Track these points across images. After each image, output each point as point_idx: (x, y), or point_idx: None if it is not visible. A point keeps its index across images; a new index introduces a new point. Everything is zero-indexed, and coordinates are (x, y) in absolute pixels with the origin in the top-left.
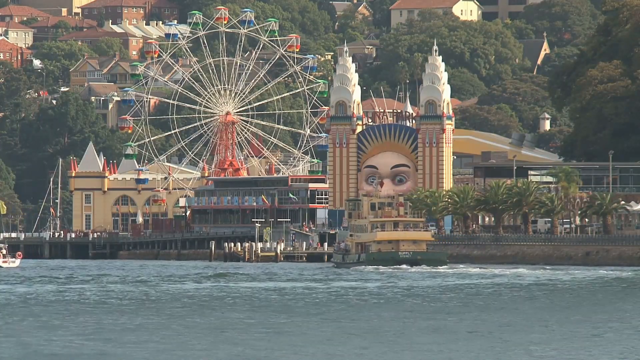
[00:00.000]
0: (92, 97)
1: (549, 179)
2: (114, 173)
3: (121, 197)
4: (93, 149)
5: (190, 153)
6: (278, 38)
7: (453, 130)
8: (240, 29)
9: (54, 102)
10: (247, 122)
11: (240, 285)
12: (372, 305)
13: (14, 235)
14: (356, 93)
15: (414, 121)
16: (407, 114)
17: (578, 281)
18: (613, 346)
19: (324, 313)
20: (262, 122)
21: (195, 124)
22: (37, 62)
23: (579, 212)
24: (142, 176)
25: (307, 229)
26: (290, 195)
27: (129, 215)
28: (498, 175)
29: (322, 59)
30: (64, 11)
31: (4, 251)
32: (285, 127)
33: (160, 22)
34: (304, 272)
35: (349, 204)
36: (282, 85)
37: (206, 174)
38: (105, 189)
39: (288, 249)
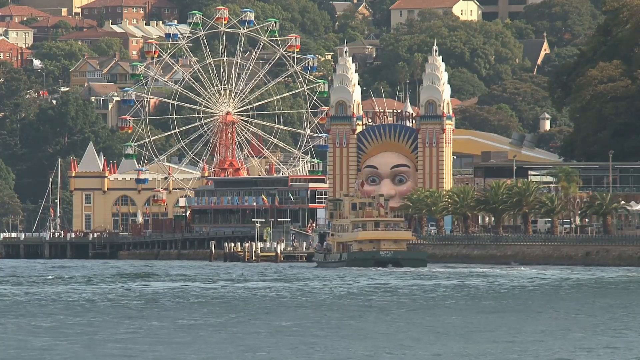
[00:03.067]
0: (92, 97)
1: (549, 179)
2: (114, 173)
3: (121, 197)
4: (93, 149)
5: (190, 153)
6: (278, 38)
7: (453, 130)
8: (240, 29)
9: (54, 102)
10: (247, 122)
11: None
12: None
13: (14, 235)
14: (356, 93)
15: (414, 121)
16: (407, 114)
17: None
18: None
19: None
20: (262, 122)
21: (195, 124)
22: (37, 62)
23: (579, 212)
24: (142, 176)
25: (311, 230)
26: (290, 195)
27: (129, 215)
28: (498, 175)
29: (322, 59)
30: (64, 11)
31: None
32: (285, 127)
33: (160, 22)
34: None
35: (330, 203)
36: (282, 85)
37: (206, 174)
38: (105, 189)
39: (288, 249)
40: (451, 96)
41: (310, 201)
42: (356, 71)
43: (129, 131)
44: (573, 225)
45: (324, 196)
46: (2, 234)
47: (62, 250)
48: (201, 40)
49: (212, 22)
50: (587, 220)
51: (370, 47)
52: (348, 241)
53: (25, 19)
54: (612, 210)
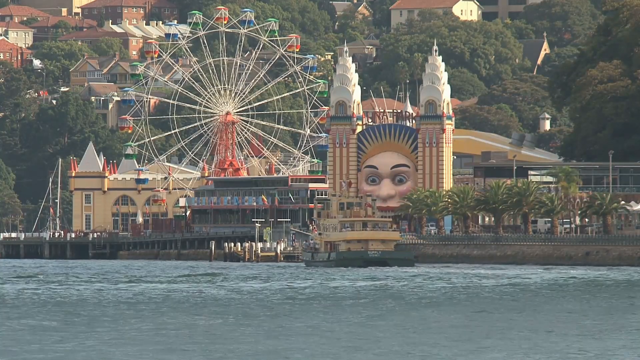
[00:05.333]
0: (92, 97)
1: (549, 179)
2: (114, 173)
3: (121, 197)
4: (93, 149)
5: (190, 153)
6: (278, 38)
7: (453, 130)
8: (240, 29)
9: (54, 102)
10: (247, 122)
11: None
12: None
13: (14, 235)
14: (356, 93)
15: (414, 121)
16: (407, 114)
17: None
18: None
19: None
20: (262, 122)
21: (195, 124)
22: (37, 62)
23: (579, 212)
24: (142, 176)
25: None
26: (290, 195)
27: (129, 215)
28: (498, 175)
29: (322, 59)
30: (64, 11)
31: None
32: (285, 127)
33: (160, 22)
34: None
35: (318, 203)
36: (282, 85)
37: (206, 174)
38: (105, 189)
39: (288, 249)
40: (451, 96)
41: (310, 201)
42: (356, 71)
43: (129, 131)
44: (573, 225)
45: (324, 196)
46: (2, 234)
47: (62, 250)
48: (201, 40)
49: (212, 22)
50: (587, 220)
51: (370, 47)
52: (336, 241)
53: (25, 19)
54: (612, 210)
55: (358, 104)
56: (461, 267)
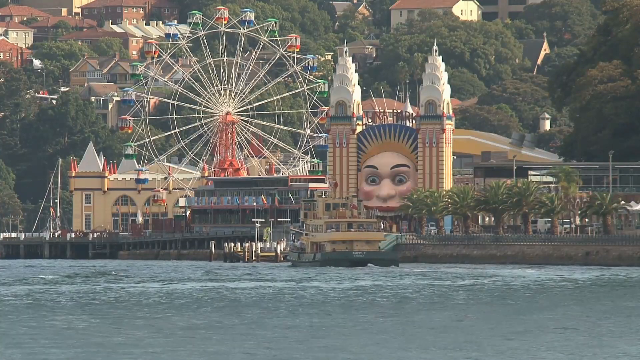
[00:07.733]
0: (92, 97)
1: (549, 179)
2: (114, 173)
3: (121, 197)
4: (93, 149)
5: (190, 153)
6: (278, 38)
7: (453, 130)
8: (240, 29)
9: (54, 102)
10: (247, 122)
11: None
12: None
13: (14, 235)
14: (356, 93)
15: (414, 121)
16: (407, 114)
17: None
18: None
19: None
20: (262, 122)
21: (195, 124)
22: (37, 62)
23: (579, 212)
24: (142, 176)
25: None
26: (290, 195)
27: (129, 215)
28: (498, 175)
29: (322, 59)
30: (64, 11)
31: None
32: (285, 127)
33: (160, 22)
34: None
35: (304, 204)
36: (282, 85)
37: (206, 174)
38: (105, 189)
39: (288, 249)
40: (451, 96)
41: None
42: (356, 71)
43: (129, 131)
44: (573, 225)
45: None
46: (2, 234)
47: (62, 250)
48: (201, 40)
49: (212, 22)
50: (587, 220)
51: (370, 47)
52: (322, 241)
53: (25, 19)
54: (612, 210)
55: (358, 104)
56: (456, 267)
